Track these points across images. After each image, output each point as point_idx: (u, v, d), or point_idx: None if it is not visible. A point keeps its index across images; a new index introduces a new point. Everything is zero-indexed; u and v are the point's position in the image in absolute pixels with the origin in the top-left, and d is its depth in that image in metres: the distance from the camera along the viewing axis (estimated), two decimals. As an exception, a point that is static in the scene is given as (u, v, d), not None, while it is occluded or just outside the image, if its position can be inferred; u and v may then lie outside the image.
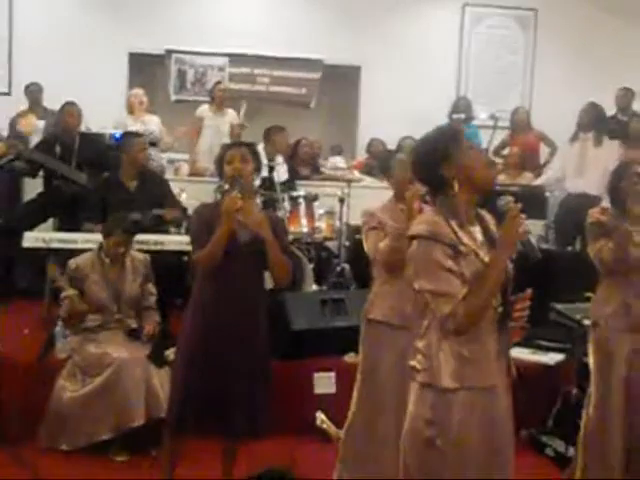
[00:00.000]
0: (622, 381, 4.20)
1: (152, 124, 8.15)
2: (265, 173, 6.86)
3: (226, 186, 4.00)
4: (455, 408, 2.79)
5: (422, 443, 2.83)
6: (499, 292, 2.84)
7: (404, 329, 3.96)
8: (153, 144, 7.73)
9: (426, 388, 2.83)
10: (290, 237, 6.43)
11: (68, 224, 6.45)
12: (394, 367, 4.00)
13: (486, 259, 2.80)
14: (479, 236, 2.89)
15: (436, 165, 2.85)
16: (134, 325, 5.08)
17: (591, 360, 4.36)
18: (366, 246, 4.18)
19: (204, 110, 8.68)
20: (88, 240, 5.51)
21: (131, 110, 8.29)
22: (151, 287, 5.20)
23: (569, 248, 7.12)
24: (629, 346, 4.20)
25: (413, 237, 2.84)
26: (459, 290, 2.74)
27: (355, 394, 4.24)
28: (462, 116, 8.55)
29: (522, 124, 8.79)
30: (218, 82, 9.14)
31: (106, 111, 8.27)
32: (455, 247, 2.77)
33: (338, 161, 9.39)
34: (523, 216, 2.81)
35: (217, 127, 8.49)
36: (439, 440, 2.79)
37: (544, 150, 8.92)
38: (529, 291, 2.90)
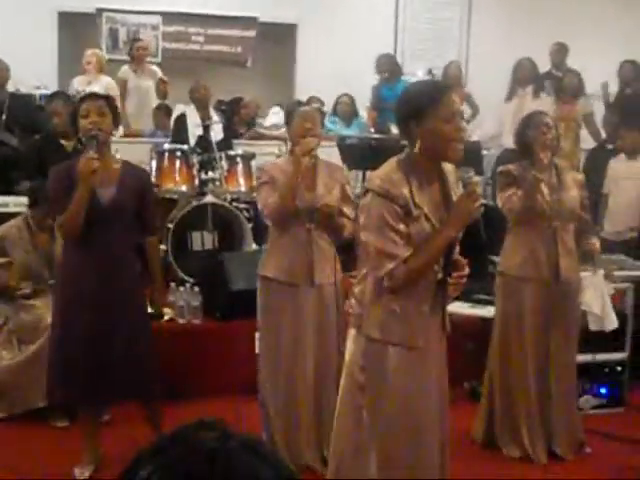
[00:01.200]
0: (530, 330, 4.31)
1: (97, 85, 7.94)
2: (199, 132, 6.78)
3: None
4: (385, 359, 2.85)
5: (355, 388, 2.89)
6: (441, 256, 2.86)
7: (293, 286, 3.99)
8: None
9: (359, 334, 2.89)
10: (228, 197, 6.40)
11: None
12: (289, 325, 4.05)
13: (437, 224, 2.81)
14: (436, 195, 2.89)
15: (407, 118, 2.86)
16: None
17: (497, 307, 4.45)
18: (258, 202, 4.16)
19: (125, 71, 8.48)
20: (18, 203, 5.38)
21: (83, 71, 8.08)
22: None
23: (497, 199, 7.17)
24: (535, 293, 4.30)
25: (367, 190, 2.84)
26: (403, 251, 2.77)
27: (261, 353, 4.25)
28: (385, 75, 8.49)
29: (454, 79, 8.76)
30: (135, 39, 8.95)
31: (36, 71, 8.08)
32: (407, 208, 2.79)
33: (279, 118, 9.30)
34: (480, 195, 2.83)
35: (141, 87, 8.32)
36: (369, 387, 2.86)
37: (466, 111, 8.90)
38: (466, 268, 2.92)
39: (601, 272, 4.99)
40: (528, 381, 4.35)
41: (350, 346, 2.96)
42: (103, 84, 8.00)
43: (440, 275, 2.88)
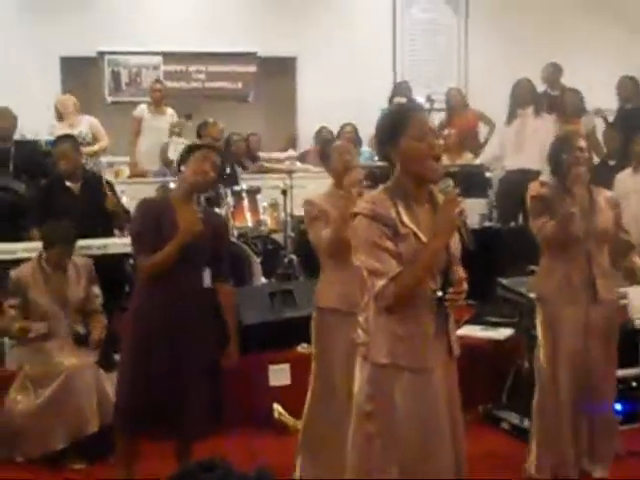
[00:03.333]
0: (570, 353, 4.28)
1: (82, 126, 8.00)
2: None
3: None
4: (391, 385, 2.86)
5: (363, 417, 2.90)
6: (439, 274, 2.88)
7: (353, 315, 3.98)
8: (84, 144, 7.63)
9: (365, 362, 2.90)
10: (235, 232, 6.44)
11: (6, 235, 6.33)
12: (345, 353, 4.03)
13: (426, 241, 2.84)
14: (426, 216, 2.91)
15: (383, 144, 2.93)
16: (82, 331, 4.99)
17: (539, 334, 4.43)
18: (310, 236, 4.19)
19: (142, 110, 8.59)
20: (27, 249, 5.42)
21: (59, 117, 8.15)
22: (96, 290, 5.10)
23: (512, 224, 7.21)
24: (573, 317, 4.28)
25: (356, 214, 2.88)
26: (393, 269, 2.79)
27: (311, 383, 4.26)
28: (403, 100, 8.57)
29: (457, 104, 8.85)
30: (156, 81, 9.05)
31: (40, 117, 8.15)
32: (395, 228, 2.81)
33: (285, 154, 9.38)
34: (460, 200, 2.85)
35: (156, 127, 8.41)
36: (377, 415, 2.86)
37: (483, 129, 8.99)
38: (464, 276, 2.93)
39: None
40: (569, 405, 4.31)
41: (357, 377, 2.97)
42: (87, 123, 8.03)
43: (439, 293, 2.89)
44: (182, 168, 3.95)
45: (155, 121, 8.48)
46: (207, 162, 3.86)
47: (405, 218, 2.85)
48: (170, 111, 8.62)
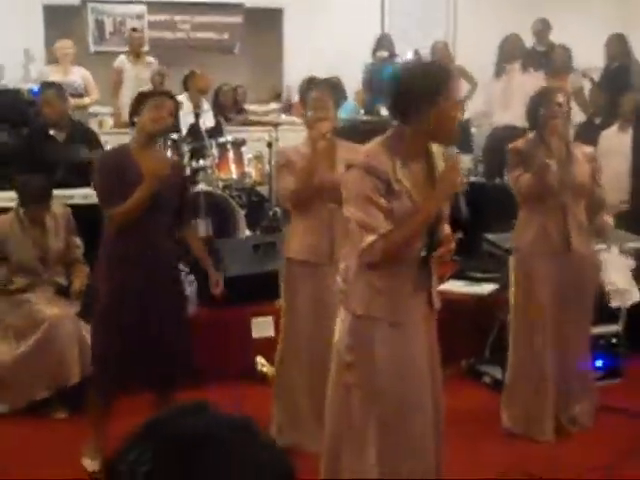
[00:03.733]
0: (543, 304, 4.33)
1: (75, 75, 7.92)
2: (191, 120, 6.77)
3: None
4: (371, 337, 2.87)
5: (343, 367, 2.91)
6: (425, 233, 2.87)
7: (320, 265, 4.04)
8: (75, 95, 7.56)
9: (347, 313, 2.91)
10: (220, 184, 6.40)
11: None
12: (313, 304, 4.09)
13: (419, 199, 2.82)
14: (421, 173, 2.89)
15: (414, 103, 2.82)
16: (63, 282, 4.97)
17: (512, 284, 4.46)
18: (276, 185, 4.19)
19: (122, 61, 8.47)
20: (12, 198, 5.34)
21: (56, 61, 8.04)
22: (76, 240, 5.04)
23: (497, 180, 7.20)
24: (549, 268, 4.31)
25: (350, 165, 2.86)
26: (383, 225, 2.78)
27: (281, 333, 4.30)
28: (385, 53, 8.49)
29: (442, 59, 8.71)
30: (133, 29, 8.92)
31: (23, 66, 8.04)
32: (389, 184, 2.79)
33: (270, 106, 9.31)
34: (462, 169, 2.84)
35: (137, 77, 8.30)
36: (357, 366, 2.87)
37: (464, 86, 8.89)
38: (457, 235, 2.93)
39: (615, 248, 5.02)
40: (544, 355, 4.36)
41: (338, 325, 2.97)
42: (80, 75, 7.96)
43: (424, 253, 2.88)
44: (135, 119, 3.92)
45: (136, 71, 8.37)
46: (163, 109, 3.84)
47: (400, 175, 2.83)
48: (151, 59, 8.51)
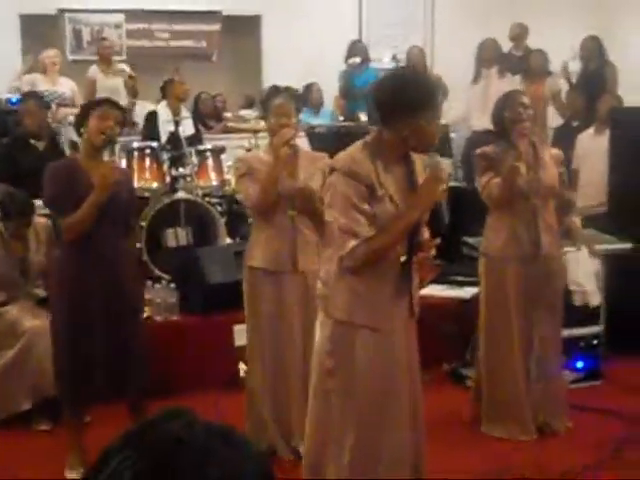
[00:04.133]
0: (516, 308, 4.35)
1: (64, 86, 7.91)
2: (171, 128, 6.76)
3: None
4: (352, 343, 2.87)
5: (324, 373, 2.92)
6: (406, 239, 2.88)
7: (282, 273, 4.06)
8: (64, 105, 7.56)
9: (326, 317, 2.91)
10: (200, 192, 6.39)
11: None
12: (274, 310, 4.12)
13: (401, 206, 2.83)
14: (401, 177, 2.90)
15: (397, 111, 2.84)
16: (43, 294, 4.94)
17: (483, 289, 4.48)
18: (238, 192, 4.19)
19: (94, 70, 8.44)
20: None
21: (43, 70, 8.03)
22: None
23: (476, 184, 7.22)
24: (519, 271, 4.34)
25: (333, 169, 2.86)
26: (366, 230, 2.78)
27: (247, 341, 4.32)
28: (357, 60, 8.49)
29: (418, 64, 8.73)
30: (102, 39, 8.93)
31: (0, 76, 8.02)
32: (372, 188, 2.80)
33: (249, 113, 9.29)
34: (445, 179, 2.85)
35: (110, 86, 8.27)
36: (338, 372, 2.88)
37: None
38: (437, 240, 2.94)
39: (584, 249, 5.05)
40: (515, 359, 4.38)
41: (318, 330, 2.97)
42: (69, 86, 7.97)
43: (404, 257, 2.89)
44: (82, 130, 3.92)
45: (108, 80, 8.34)
46: (108, 119, 3.84)
47: (383, 179, 2.83)
48: (122, 67, 8.50)
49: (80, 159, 3.96)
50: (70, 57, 9.63)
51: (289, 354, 4.10)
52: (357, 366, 2.88)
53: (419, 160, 2.99)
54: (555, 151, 4.57)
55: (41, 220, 5.02)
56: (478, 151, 4.45)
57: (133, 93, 8.12)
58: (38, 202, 4.97)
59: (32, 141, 5.79)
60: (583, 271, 5.04)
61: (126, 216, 4.03)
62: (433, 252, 2.92)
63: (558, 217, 4.43)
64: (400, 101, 2.84)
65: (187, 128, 6.99)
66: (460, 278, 5.81)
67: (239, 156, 4.27)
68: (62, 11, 9.64)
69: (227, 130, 8.38)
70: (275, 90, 4.20)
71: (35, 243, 4.94)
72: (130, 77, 8.06)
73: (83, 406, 4.08)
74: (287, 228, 4.06)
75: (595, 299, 5.08)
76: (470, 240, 5.68)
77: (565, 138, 7.24)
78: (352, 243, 2.78)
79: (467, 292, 5.66)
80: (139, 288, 4.16)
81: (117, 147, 5.82)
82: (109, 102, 4.07)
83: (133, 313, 4.06)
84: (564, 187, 4.47)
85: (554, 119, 8.09)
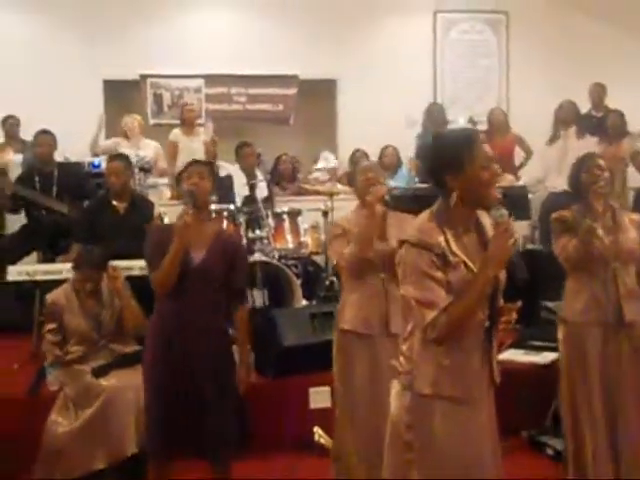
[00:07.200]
0: (598, 375, 4.21)
1: (147, 149, 8.13)
2: (245, 191, 6.85)
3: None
4: (432, 415, 2.80)
5: (402, 447, 2.84)
6: (486, 303, 2.82)
7: (373, 336, 4.03)
8: (145, 170, 7.74)
9: (406, 391, 2.84)
10: (276, 254, 6.43)
11: (51, 255, 6.41)
12: (367, 373, 4.06)
13: (476, 269, 2.78)
14: (474, 243, 2.86)
15: (442, 171, 2.81)
16: (126, 349, 5.01)
17: (563, 356, 4.37)
18: (330, 253, 4.20)
19: (176, 134, 8.67)
20: (67, 270, 5.44)
21: (125, 135, 8.27)
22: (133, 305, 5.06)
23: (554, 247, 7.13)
24: (600, 338, 4.21)
25: (403, 242, 2.83)
26: (443, 299, 2.73)
27: (336, 405, 4.27)
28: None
29: (500, 125, 8.74)
30: (185, 104, 9.17)
31: (84, 139, 8.25)
32: (444, 257, 2.76)
33: (321, 174, 9.38)
34: (514, 230, 2.79)
35: (191, 148, 8.47)
36: (417, 444, 2.80)
37: (518, 153, 8.87)
38: (519, 303, 2.88)
39: None
40: (597, 428, 4.24)
41: (394, 403, 2.91)
42: (152, 148, 8.17)
43: (487, 323, 2.84)
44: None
45: (189, 143, 8.54)
46: (193, 176, 3.92)
47: (454, 247, 2.79)
48: (202, 130, 8.69)
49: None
50: (151, 121, 9.90)
51: (380, 417, 4.01)
52: (437, 439, 2.81)
53: (487, 219, 2.94)
54: (635, 215, 4.47)
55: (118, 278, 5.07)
56: (554, 215, 4.38)
57: (213, 156, 8.29)
58: (116, 262, 5.09)
59: (114, 202, 5.91)
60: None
61: (225, 283, 3.97)
62: (515, 316, 2.86)
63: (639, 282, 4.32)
64: (440, 164, 2.81)
65: (261, 190, 7.08)
66: (538, 343, 5.70)
67: (334, 221, 4.32)
68: (144, 77, 9.94)
69: (301, 192, 8.45)
70: (361, 154, 4.23)
71: (109, 302, 5.02)
72: (213, 141, 8.22)
73: (165, 457, 4.03)
74: (378, 291, 4.05)
75: None
76: (549, 304, 5.58)
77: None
78: (431, 314, 2.72)
79: (545, 357, 5.54)
80: (229, 363, 4.04)
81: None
82: (194, 162, 4.16)
83: (218, 374, 3.94)
84: None
85: (635, 180, 7.97)
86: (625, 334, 4.20)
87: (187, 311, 3.85)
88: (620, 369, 4.22)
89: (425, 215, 2.88)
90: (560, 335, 4.40)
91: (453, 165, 2.77)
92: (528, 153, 8.68)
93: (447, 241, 2.77)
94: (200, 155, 8.26)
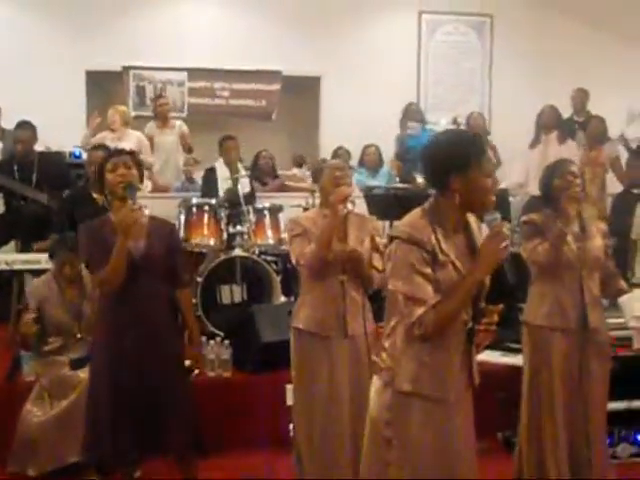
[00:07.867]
0: (560, 378, 4.25)
1: (129, 141, 8.06)
2: (228, 185, 6.84)
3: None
4: (411, 412, 2.81)
5: (382, 443, 2.85)
6: (470, 304, 2.84)
7: (326, 338, 4.03)
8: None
9: (387, 387, 2.85)
10: (256, 250, 6.42)
11: (30, 245, 6.36)
12: (324, 377, 4.05)
13: (463, 270, 2.79)
14: (461, 244, 2.87)
15: (448, 171, 2.81)
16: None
17: (525, 360, 4.40)
18: (291, 252, 4.18)
19: (151, 128, 8.63)
20: (47, 260, 5.41)
21: (109, 128, 8.22)
22: None
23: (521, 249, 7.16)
24: (563, 343, 4.25)
25: (393, 237, 2.83)
26: (431, 297, 2.74)
27: (294, 405, 4.26)
28: (415, 124, 8.55)
29: (478, 129, 8.73)
30: (158, 96, 9.14)
31: (66, 130, 8.20)
32: (434, 254, 2.77)
33: (297, 172, 9.39)
34: (506, 235, 2.80)
35: (166, 142, 8.45)
36: (396, 441, 2.82)
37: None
38: (500, 305, 2.89)
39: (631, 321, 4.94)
40: (558, 431, 4.28)
41: (374, 399, 2.92)
42: (134, 140, 8.12)
43: (470, 324, 2.85)
44: (105, 191, 3.96)
45: (163, 136, 8.52)
46: (119, 168, 3.85)
47: (444, 246, 2.80)
48: (178, 123, 8.67)
49: (111, 215, 3.94)
50: (133, 113, 9.83)
51: (337, 419, 4.02)
52: (416, 437, 2.82)
53: (475, 224, 2.96)
54: (600, 223, 4.51)
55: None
56: (524, 218, 4.41)
57: (188, 149, 8.27)
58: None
59: (94, 194, 5.88)
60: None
61: (166, 269, 3.95)
62: (496, 318, 2.88)
63: (603, 288, 4.36)
64: (447, 164, 2.81)
65: (243, 186, 7.06)
66: (514, 345, 5.72)
67: (292, 217, 4.28)
68: (127, 68, 9.90)
69: (283, 189, 8.44)
70: (324, 160, 4.22)
71: (91, 293, 4.98)
72: (183, 135, 8.21)
73: (117, 465, 4.02)
74: (336, 292, 4.04)
75: None
76: (523, 306, 5.60)
77: (625, 205, 7.17)
78: (419, 311, 2.73)
79: (521, 359, 5.55)
80: (179, 343, 4.07)
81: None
82: (116, 152, 4.09)
83: (173, 369, 3.96)
84: (608, 258, 4.39)
85: (613, 186, 8.02)
86: (588, 340, 4.24)
87: (136, 303, 3.81)
88: (583, 374, 4.25)
89: (417, 212, 2.88)
90: (524, 337, 4.44)
91: (460, 167, 2.78)
92: (497, 163, 8.69)
93: (437, 240, 2.79)
94: (176, 149, 8.27)
